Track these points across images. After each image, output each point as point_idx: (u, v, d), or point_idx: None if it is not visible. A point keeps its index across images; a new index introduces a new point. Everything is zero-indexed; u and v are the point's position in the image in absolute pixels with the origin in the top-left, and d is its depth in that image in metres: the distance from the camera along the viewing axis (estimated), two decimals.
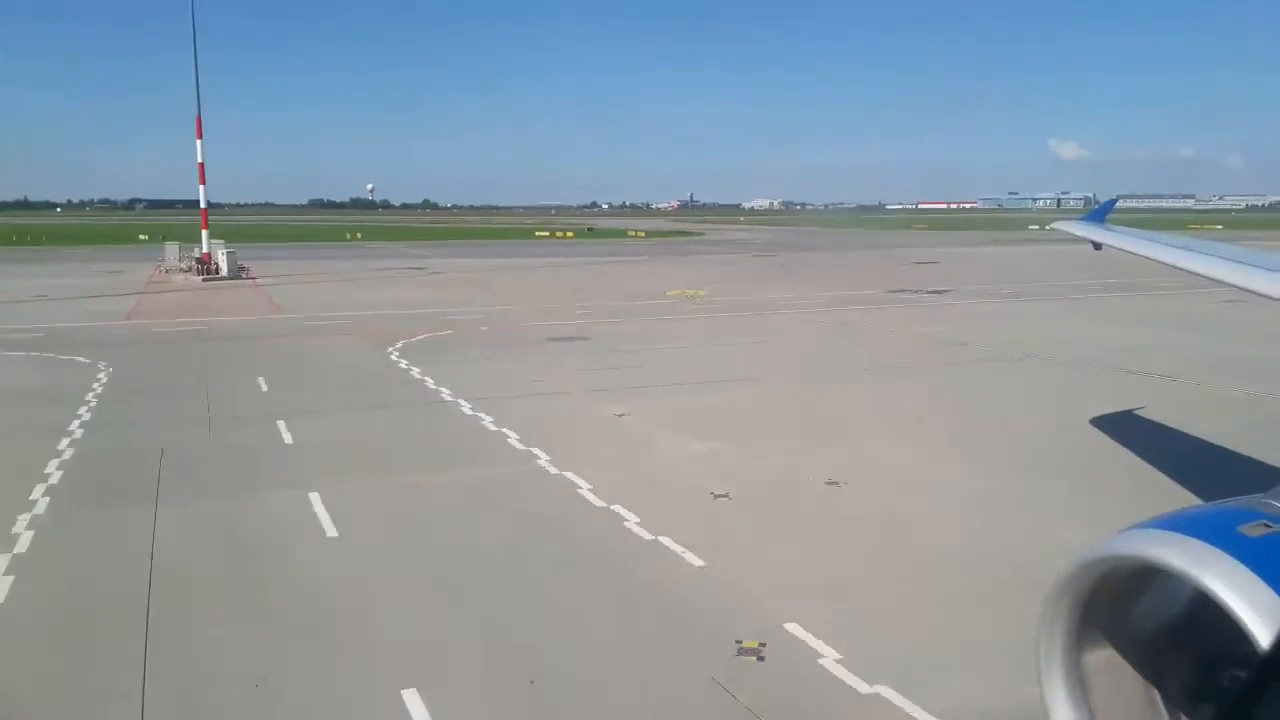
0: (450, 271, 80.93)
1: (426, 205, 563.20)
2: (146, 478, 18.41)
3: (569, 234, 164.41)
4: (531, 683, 10.19)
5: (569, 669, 10.51)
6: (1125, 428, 22.01)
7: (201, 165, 73.63)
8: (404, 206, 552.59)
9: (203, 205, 78.47)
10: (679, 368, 31.55)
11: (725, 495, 16.87)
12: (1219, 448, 19.86)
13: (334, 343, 37.36)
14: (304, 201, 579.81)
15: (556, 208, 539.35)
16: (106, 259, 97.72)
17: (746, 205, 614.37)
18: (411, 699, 9.86)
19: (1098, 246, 15.03)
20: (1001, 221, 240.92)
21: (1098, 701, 3.95)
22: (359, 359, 33.44)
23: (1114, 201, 21.93)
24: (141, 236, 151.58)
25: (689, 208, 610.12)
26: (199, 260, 74.99)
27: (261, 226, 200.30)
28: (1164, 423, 22.54)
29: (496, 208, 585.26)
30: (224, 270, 73.34)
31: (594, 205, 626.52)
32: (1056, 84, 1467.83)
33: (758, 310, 48.88)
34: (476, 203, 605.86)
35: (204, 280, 71.05)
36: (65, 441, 21.07)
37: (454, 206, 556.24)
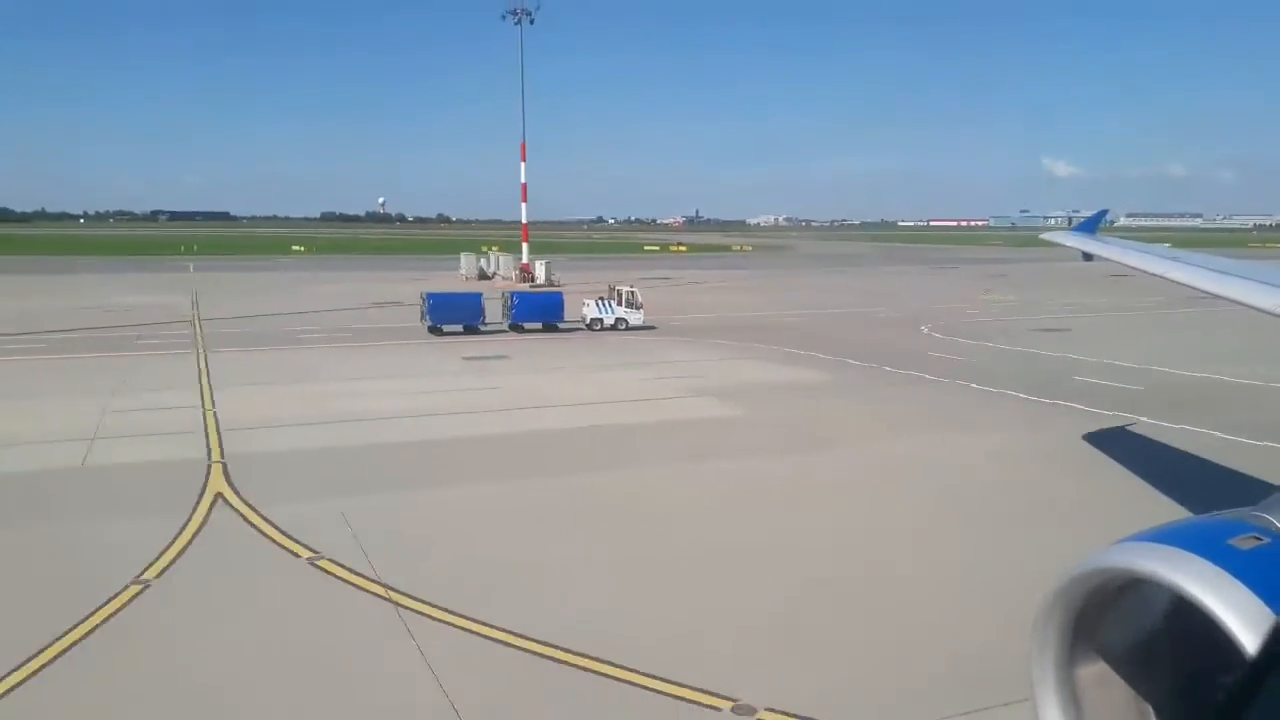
0: (709, 282, 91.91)
1: (441, 219, 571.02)
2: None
3: (682, 248, 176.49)
4: None
5: None
6: None
7: (524, 185, 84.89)
8: (418, 220, 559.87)
9: (524, 222, 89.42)
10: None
11: None
12: None
13: (878, 333, 47.98)
14: (316, 214, 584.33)
15: (588, 223, 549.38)
16: (368, 267, 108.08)
17: (751, 221, 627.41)
18: None
19: (1088, 257, 15.20)
20: (1031, 239, 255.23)
21: (1090, 715, 3.95)
22: (947, 343, 44.71)
23: (1103, 213, 22.79)
24: (295, 248, 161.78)
25: (694, 223, 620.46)
26: (520, 269, 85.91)
27: (375, 240, 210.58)
28: None
29: (502, 221, 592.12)
30: (540, 278, 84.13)
31: (600, 220, 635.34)
32: (1061, 104, 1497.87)
33: (1121, 310, 60.72)
34: (483, 217, 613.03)
35: (530, 287, 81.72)
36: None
37: (461, 220, 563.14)
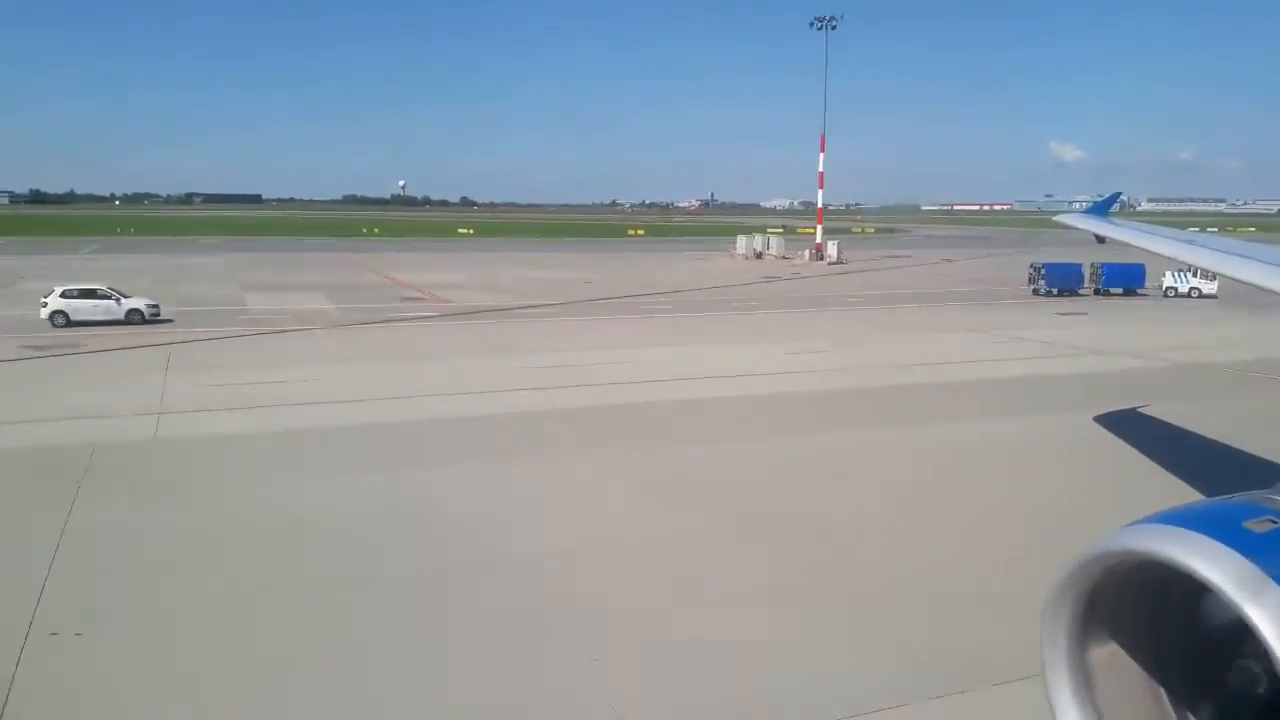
0: (961, 260, 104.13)
1: (465, 203, 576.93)
2: None
3: (809, 231, 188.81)
4: None
5: None
6: None
7: (821, 174, 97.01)
8: (442, 203, 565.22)
9: (819, 206, 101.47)
10: None
11: None
12: None
13: None
14: (339, 197, 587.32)
15: (627, 205, 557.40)
16: (626, 249, 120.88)
17: (766, 204, 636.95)
18: None
19: (1101, 239, 15.58)
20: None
21: (1102, 697, 3.95)
22: None
23: (1117, 196, 23.72)
24: (461, 230, 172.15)
25: (709, 206, 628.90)
26: (814, 249, 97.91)
27: (524, 224, 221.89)
28: None
29: (519, 204, 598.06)
30: (833, 256, 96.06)
31: (614, 203, 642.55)
32: (1074, 89, 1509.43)
33: None
34: (497, 199, 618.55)
35: (828, 264, 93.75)
36: None
37: (503, 204, 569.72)
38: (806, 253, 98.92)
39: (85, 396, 28.76)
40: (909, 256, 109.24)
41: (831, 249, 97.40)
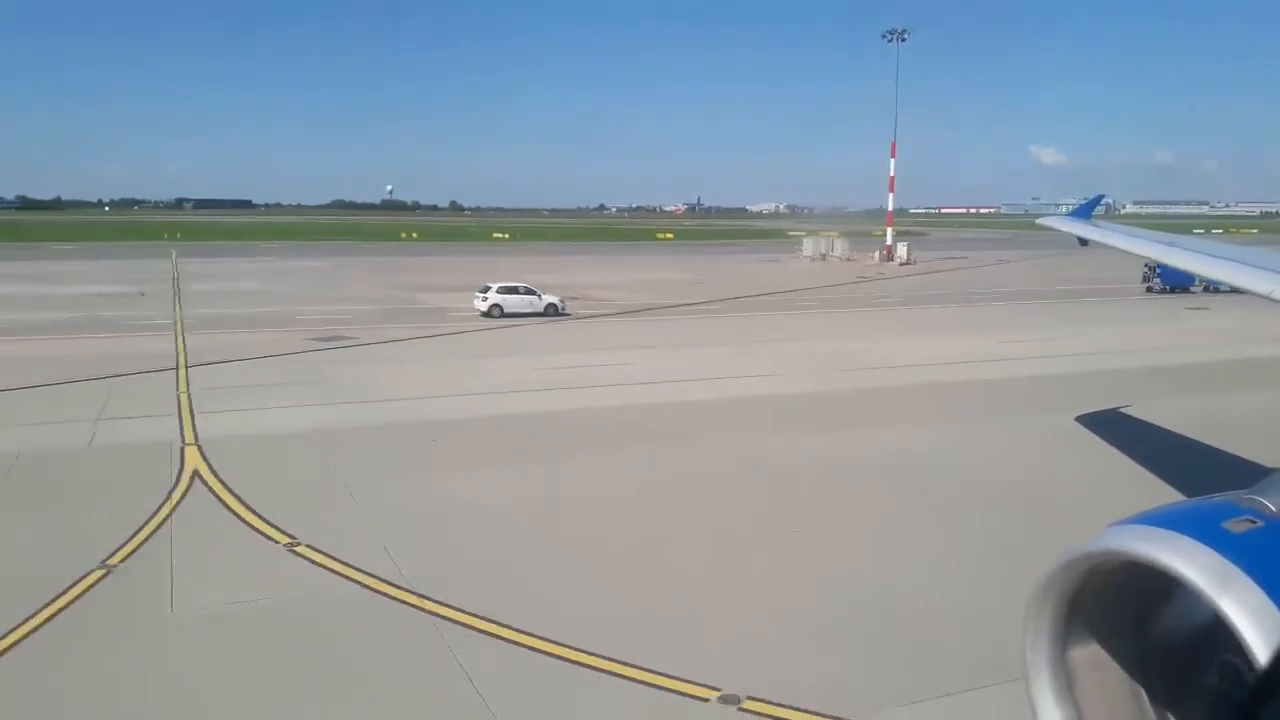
0: (1013, 261, 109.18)
1: (454, 207, 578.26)
2: None
3: (831, 233, 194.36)
4: None
5: None
6: None
7: (892, 178, 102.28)
8: (431, 208, 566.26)
9: (889, 209, 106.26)
10: None
11: None
12: None
13: None
14: (326, 201, 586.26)
15: (615, 209, 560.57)
16: (681, 252, 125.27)
17: (753, 208, 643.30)
18: None
19: (1084, 242, 16.04)
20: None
21: (1083, 698, 4.00)
22: None
23: (1100, 198, 23.57)
24: (497, 235, 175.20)
25: (696, 210, 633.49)
26: (884, 250, 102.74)
27: (562, 228, 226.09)
28: None
29: (504, 209, 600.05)
30: (902, 258, 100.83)
31: (602, 207, 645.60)
32: (1056, 91, 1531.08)
33: None
34: (483, 204, 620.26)
35: (900, 265, 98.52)
36: None
37: (488, 209, 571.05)
38: (876, 254, 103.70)
39: (463, 378, 32.58)
40: (965, 258, 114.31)
41: (901, 250, 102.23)
